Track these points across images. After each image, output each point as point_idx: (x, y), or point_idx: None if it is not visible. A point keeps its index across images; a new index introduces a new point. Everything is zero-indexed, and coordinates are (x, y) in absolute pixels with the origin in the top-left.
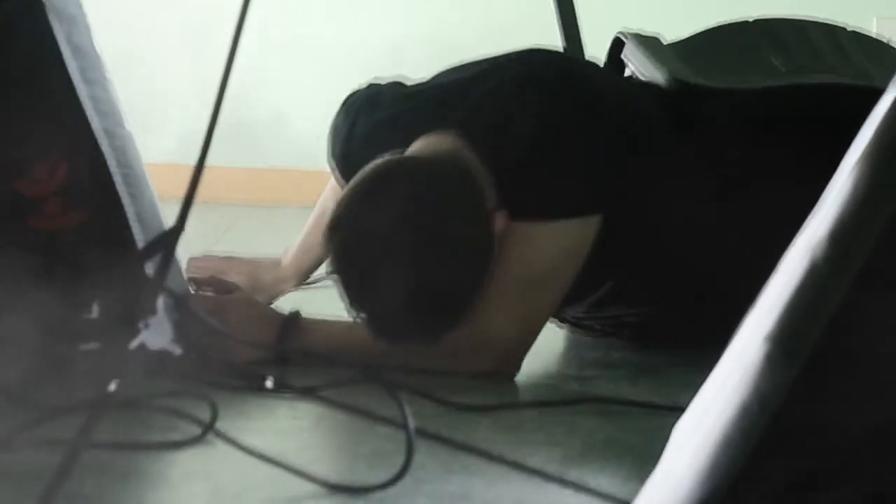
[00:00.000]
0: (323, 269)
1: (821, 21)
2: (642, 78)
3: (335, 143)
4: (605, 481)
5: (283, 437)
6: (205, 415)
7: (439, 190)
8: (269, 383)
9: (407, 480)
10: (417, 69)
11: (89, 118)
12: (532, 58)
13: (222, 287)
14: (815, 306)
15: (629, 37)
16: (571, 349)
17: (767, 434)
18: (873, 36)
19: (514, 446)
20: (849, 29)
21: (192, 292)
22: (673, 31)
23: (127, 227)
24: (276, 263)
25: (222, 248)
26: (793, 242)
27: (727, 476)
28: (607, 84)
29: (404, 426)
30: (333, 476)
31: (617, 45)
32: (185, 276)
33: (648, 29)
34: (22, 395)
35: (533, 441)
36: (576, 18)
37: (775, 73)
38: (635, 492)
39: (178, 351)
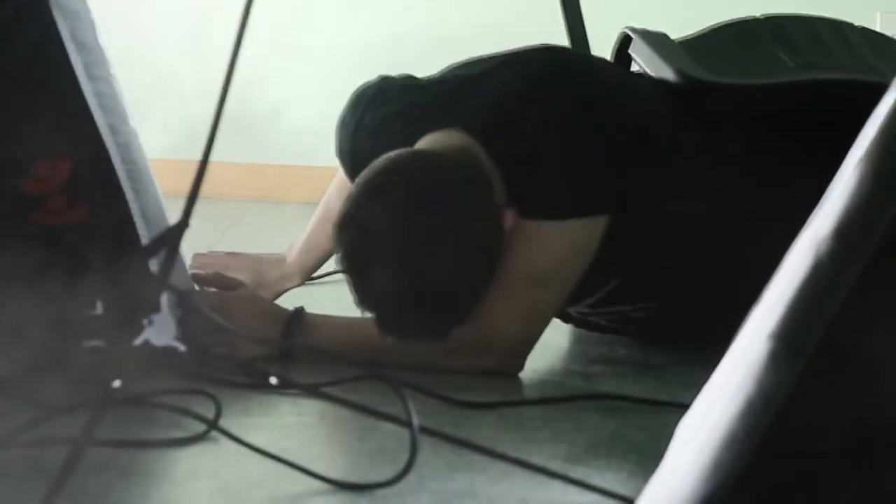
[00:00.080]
0: (327, 266)
1: (828, 17)
2: (651, 74)
3: (343, 137)
4: (610, 478)
5: (286, 434)
6: (209, 412)
7: (450, 185)
8: (273, 380)
9: (411, 478)
10: (419, 66)
11: (93, 114)
12: (542, 55)
13: (226, 284)
14: (820, 303)
15: (637, 33)
16: (576, 346)
17: (771, 432)
18: (879, 32)
19: (519, 443)
20: (856, 25)
21: (196, 289)
22: (674, 28)
23: (131, 223)
24: (279, 260)
25: (226, 243)
26: (797, 239)
27: (731, 473)
28: (617, 82)
29: (408, 423)
30: (337, 473)
31: (623, 42)
32: (189, 272)
33: (649, 27)
34: (26, 392)
35: (537, 438)
36: (581, 16)
37: (784, 69)
38: (639, 489)
39: (181, 348)
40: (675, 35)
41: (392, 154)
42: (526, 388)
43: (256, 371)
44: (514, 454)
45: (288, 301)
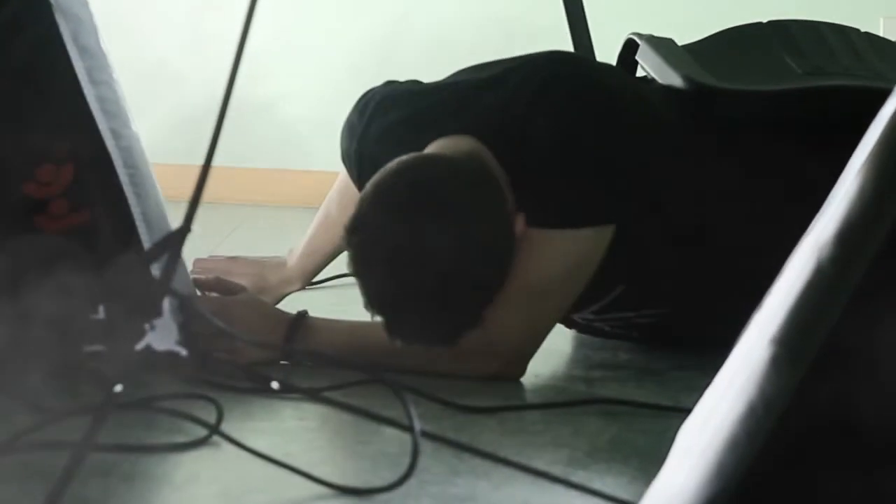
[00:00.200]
0: (328, 271)
1: (832, 22)
2: (658, 80)
3: (350, 142)
4: (611, 483)
5: (288, 438)
6: (210, 416)
7: (461, 189)
8: (274, 385)
9: (412, 482)
10: (420, 66)
11: (96, 118)
12: (550, 61)
13: (227, 288)
14: (821, 308)
15: (643, 38)
16: (578, 350)
17: (773, 436)
18: (882, 37)
19: (520, 448)
20: (860, 30)
21: (198, 294)
22: (675, 32)
23: (133, 227)
24: (280, 264)
25: (228, 248)
26: (799, 244)
27: (733, 477)
28: (625, 88)
29: (410, 428)
30: (339, 477)
31: (629, 48)
32: (190, 277)
33: (651, 31)
34: (27, 396)
35: (538, 442)
36: (586, 21)
37: (791, 75)
38: (641, 493)
39: (183, 352)
40: (677, 40)
41: (403, 157)
42: (527, 392)
43: (258, 375)
44: (515, 459)
45: (289, 305)
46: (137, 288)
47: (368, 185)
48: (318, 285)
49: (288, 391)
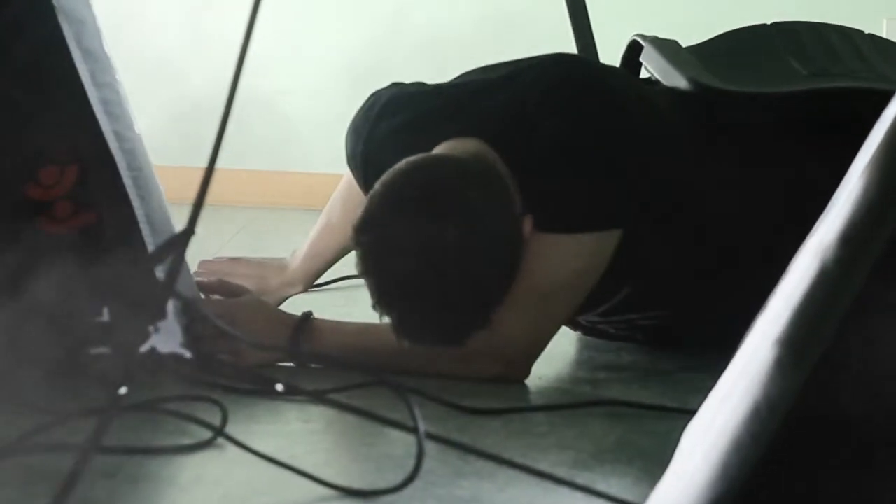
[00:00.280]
0: (330, 274)
1: (836, 24)
2: (662, 82)
3: (356, 144)
4: (616, 484)
5: (293, 440)
6: (215, 419)
7: (470, 188)
8: (279, 387)
9: (417, 484)
10: (420, 65)
11: (99, 121)
12: (556, 63)
13: (229, 290)
14: (825, 309)
15: (647, 40)
16: (582, 352)
17: (777, 437)
18: (886, 38)
19: (525, 450)
20: (864, 32)
21: (201, 296)
22: (675, 33)
23: (137, 230)
24: (282, 267)
25: (231, 250)
26: (803, 245)
27: (737, 478)
28: (631, 91)
29: (415, 430)
30: (343, 480)
31: (632, 49)
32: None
33: (652, 32)
34: (32, 398)
35: (543, 444)
36: (589, 23)
37: (796, 77)
38: (646, 495)
39: (187, 355)
40: (680, 42)
41: (412, 157)
42: (532, 394)
43: (262, 377)
44: (520, 460)
45: (293, 308)
46: (142, 290)
47: (378, 185)
48: (322, 287)
49: (292, 393)
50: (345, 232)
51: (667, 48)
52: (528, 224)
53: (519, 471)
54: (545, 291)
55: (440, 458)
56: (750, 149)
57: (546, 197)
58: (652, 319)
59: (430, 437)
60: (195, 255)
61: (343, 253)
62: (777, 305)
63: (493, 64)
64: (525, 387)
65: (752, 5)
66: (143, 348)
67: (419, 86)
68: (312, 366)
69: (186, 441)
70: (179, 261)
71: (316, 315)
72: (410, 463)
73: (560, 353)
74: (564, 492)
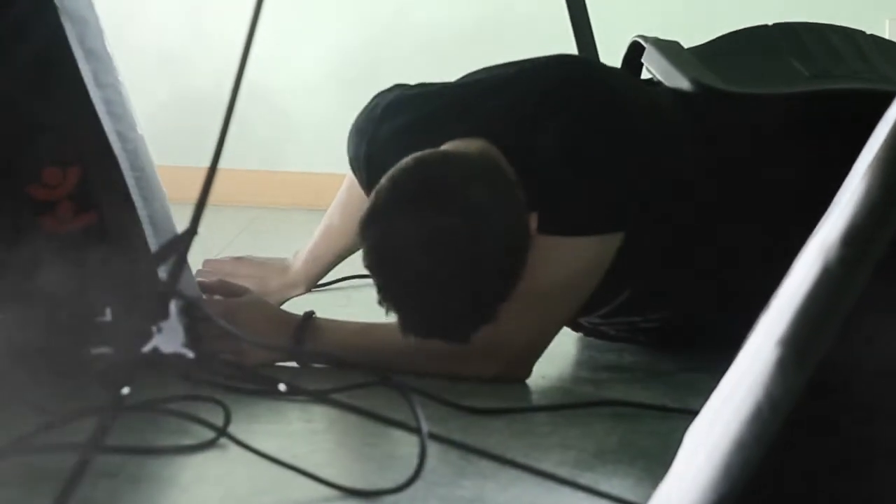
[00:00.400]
0: (331, 275)
1: (838, 25)
2: (664, 83)
3: (358, 146)
4: (618, 484)
5: (295, 440)
6: (217, 419)
7: (476, 184)
8: (281, 387)
9: (419, 484)
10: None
11: (102, 121)
12: (559, 64)
13: (230, 291)
14: (828, 310)
15: (649, 41)
16: (584, 352)
17: (779, 438)
18: (888, 39)
19: (527, 450)
20: (866, 32)
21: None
22: (676, 34)
23: (139, 230)
24: (284, 268)
25: (234, 251)
26: (806, 245)
27: (740, 478)
28: (634, 92)
29: (417, 430)
30: (346, 479)
31: (633, 50)
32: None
33: (653, 33)
34: (35, 398)
35: (545, 444)
36: (589, 23)
37: (798, 78)
38: (648, 495)
39: (190, 355)
40: (682, 42)
41: (419, 153)
42: (534, 394)
43: (265, 377)
44: (522, 460)
45: (292, 308)
46: (144, 290)
47: (384, 180)
48: (325, 287)
49: (295, 393)
50: (345, 235)
51: (669, 49)
52: (533, 221)
53: (521, 471)
54: (546, 292)
55: (443, 457)
56: (752, 150)
57: (547, 199)
58: (654, 322)
59: (433, 436)
60: (197, 255)
61: (343, 256)
62: (779, 306)
63: (497, 64)
64: (527, 387)
65: (753, 6)
66: (146, 348)
67: (422, 87)
68: (315, 365)
69: (189, 441)
70: (182, 261)
71: (320, 314)
72: (413, 463)
73: (562, 353)
74: (567, 492)
